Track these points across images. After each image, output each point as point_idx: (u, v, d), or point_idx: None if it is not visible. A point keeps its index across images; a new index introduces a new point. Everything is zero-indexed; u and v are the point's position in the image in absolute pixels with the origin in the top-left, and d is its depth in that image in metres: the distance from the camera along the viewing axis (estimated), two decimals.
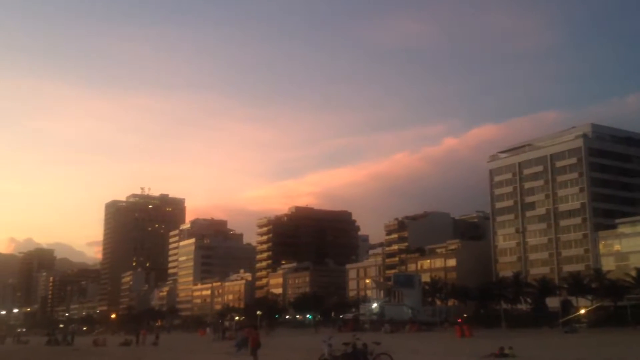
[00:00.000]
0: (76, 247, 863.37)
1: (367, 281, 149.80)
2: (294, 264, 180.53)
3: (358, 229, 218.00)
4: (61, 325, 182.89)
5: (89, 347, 65.26)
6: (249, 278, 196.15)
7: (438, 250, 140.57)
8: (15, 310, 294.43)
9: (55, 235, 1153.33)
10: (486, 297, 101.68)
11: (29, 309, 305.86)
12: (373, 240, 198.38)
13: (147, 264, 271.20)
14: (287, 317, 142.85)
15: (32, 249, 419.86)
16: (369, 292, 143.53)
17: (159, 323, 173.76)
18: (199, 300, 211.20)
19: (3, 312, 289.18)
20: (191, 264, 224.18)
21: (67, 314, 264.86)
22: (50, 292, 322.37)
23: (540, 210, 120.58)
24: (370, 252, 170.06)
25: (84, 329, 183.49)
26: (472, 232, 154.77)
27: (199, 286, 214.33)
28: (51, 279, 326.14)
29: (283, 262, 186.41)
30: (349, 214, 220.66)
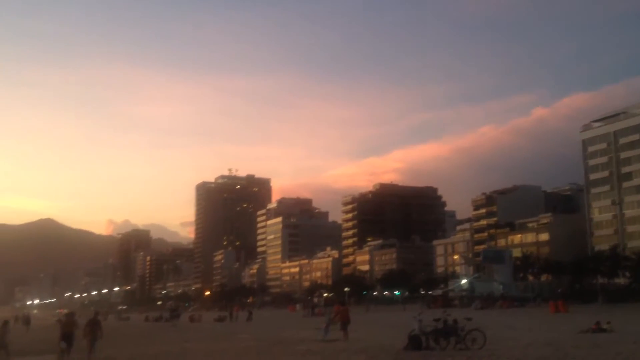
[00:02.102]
0: (170, 228, 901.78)
1: (455, 257, 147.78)
2: (380, 241, 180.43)
3: (444, 204, 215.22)
4: (170, 303, 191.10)
5: (185, 323, 68.04)
6: (336, 255, 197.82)
7: (529, 225, 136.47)
8: (116, 289, 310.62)
9: (151, 216, 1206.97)
10: (581, 271, 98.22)
11: (128, 288, 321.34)
12: (460, 215, 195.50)
13: (237, 243, 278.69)
14: (375, 293, 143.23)
15: (129, 230, 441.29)
16: (457, 269, 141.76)
17: (250, 300, 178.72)
18: (287, 278, 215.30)
19: (105, 291, 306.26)
20: (279, 242, 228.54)
21: (164, 292, 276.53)
22: (147, 271, 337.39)
23: (638, 181, 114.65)
24: (458, 228, 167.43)
25: (170, 305, 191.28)
26: (565, 205, 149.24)
27: (287, 264, 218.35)
28: (148, 258, 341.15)
29: (369, 239, 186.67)
30: (435, 190, 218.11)
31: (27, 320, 63.38)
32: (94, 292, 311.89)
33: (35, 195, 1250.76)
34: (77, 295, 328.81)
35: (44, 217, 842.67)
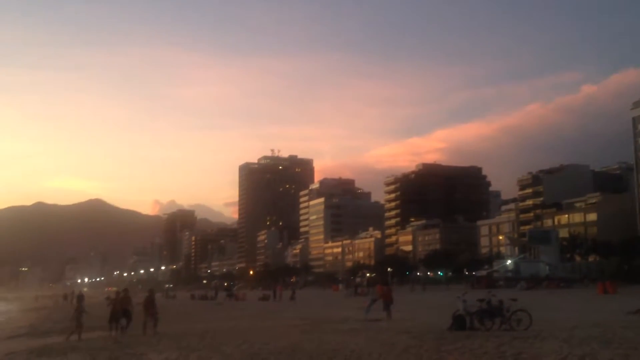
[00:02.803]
0: (214, 208, 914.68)
1: (500, 237, 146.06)
2: (423, 221, 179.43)
3: (489, 184, 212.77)
4: (215, 282, 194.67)
5: (230, 301, 69.19)
6: (379, 236, 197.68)
7: (577, 205, 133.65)
8: (163, 268, 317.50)
9: (195, 197, 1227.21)
10: (630, 252, 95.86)
11: (174, 266, 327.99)
12: (505, 195, 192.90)
13: (280, 223, 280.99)
14: (418, 274, 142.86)
15: (174, 210, 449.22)
16: (502, 249, 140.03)
17: (293, 279, 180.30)
18: (330, 258, 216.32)
19: (152, 270, 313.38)
20: (321, 222, 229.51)
21: (209, 271, 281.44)
22: (192, 251, 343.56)
23: None
24: (503, 208, 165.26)
25: (225, 284, 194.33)
26: (614, 184, 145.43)
27: (330, 244, 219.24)
28: (193, 238, 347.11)
29: (412, 219, 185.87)
30: (479, 169, 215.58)
31: (80, 298, 65.25)
32: (142, 271, 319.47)
33: (84, 176, 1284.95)
34: (125, 274, 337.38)
35: (93, 197, 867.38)
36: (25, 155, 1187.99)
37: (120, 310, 24.16)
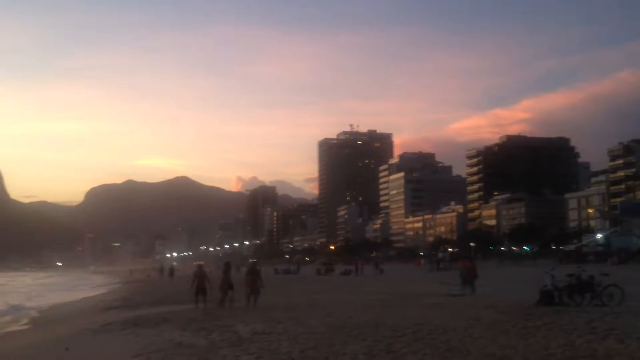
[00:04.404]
0: (295, 184, 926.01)
1: (590, 211, 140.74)
2: (507, 195, 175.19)
3: (577, 155, 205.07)
4: (297, 256, 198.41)
5: (313, 275, 70.24)
6: (461, 210, 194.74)
7: None
8: (246, 243, 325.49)
9: (276, 173, 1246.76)
10: None
11: (257, 242, 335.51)
12: (595, 167, 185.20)
13: (360, 198, 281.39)
14: (502, 248, 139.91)
15: (256, 186, 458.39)
16: (591, 222, 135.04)
17: (373, 254, 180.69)
18: (411, 233, 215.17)
19: (236, 245, 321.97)
20: (402, 197, 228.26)
21: (291, 246, 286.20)
22: (274, 226, 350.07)
23: None
24: (592, 180, 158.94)
25: (307, 259, 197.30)
26: None
27: (411, 219, 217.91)
28: (275, 214, 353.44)
29: (495, 193, 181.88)
30: (567, 140, 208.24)
31: (171, 272, 68.19)
32: (227, 246, 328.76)
33: (171, 154, 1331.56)
34: (211, 249, 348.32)
35: (179, 175, 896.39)
36: (115, 135, 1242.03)
37: (202, 284, 24.74)
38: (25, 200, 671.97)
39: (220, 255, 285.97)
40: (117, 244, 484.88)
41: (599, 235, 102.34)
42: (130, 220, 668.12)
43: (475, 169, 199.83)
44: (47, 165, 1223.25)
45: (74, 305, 39.66)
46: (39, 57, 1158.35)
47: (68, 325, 24.00)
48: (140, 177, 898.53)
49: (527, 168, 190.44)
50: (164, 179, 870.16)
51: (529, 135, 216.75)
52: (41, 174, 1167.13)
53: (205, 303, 24.24)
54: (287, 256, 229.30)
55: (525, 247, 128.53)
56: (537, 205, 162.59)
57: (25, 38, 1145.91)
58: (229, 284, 24.59)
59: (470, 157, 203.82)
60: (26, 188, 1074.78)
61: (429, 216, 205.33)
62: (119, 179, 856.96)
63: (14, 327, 26.68)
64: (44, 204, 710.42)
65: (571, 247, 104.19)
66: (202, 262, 29.96)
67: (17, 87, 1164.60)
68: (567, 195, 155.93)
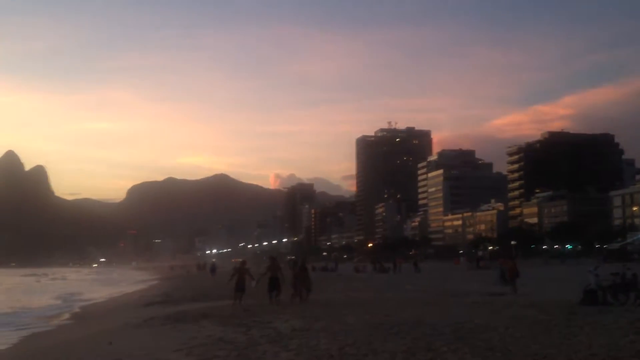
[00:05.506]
0: (333, 181, 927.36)
1: (635, 209, 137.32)
2: (549, 193, 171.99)
3: (622, 152, 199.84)
4: (334, 254, 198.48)
5: (351, 273, 70.19)
6: (501, 208, 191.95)
7: None
8: (284, 240, 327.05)
9: (314, 170, 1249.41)
10: None
11: (295, 239, 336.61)
12: None
13: (398, 196, 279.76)
14: (544, 247, 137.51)
15: (294, 184, 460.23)
16: (636, 221, 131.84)
17: (412, 252, 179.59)
18: (450, 230, 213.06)
19: (274, 242, 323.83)
20: (440, 194, 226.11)
21: (328, 243, 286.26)
22: (312, 223, 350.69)
23: None
24: (638, 177, 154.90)
25: (345, 256, 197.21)
26: None
27: (450, 216, 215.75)
28: (313, 211, 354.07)
29: (537, 190, 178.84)
30: (611, 137, 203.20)
31: (213, 268, 69.13)
32: (265, 243, 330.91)
33: (211, 152, 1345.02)
34: (249, 246, 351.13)
35: (218, 172, 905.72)
36: (157, 134, 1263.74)
37: (242, 280, 24.71)
38: (70, 198, 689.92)
39: (258, 252, 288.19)
40: (158, 241, 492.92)
41: None
42: (170, 217, 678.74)
43: (516, 166, 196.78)
44: (90, 163, 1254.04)
45: (117, 301, 40.52)
46: (83, 59, 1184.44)
47: (111, 320, 24.54)
48: (181, 174, 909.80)
49: (570, 165, 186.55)
50: (204, 177, 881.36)
51: (571, 131, 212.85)
52: (85, 172, 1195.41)
53: (240, 300, 24.11)
54: (324, 253, 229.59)
55: (568, 246, 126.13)
56: (580, 203, 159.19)
57: (69, 40, 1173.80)
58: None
59: (511, 154, 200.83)
60: (70, 185, 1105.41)
61: (469, 214, 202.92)
62: (160, 177, 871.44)
63: (60, 322, 27.39)
64: (87, 201, 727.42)
65: (615, 245, 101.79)
66: (244, 259, 30.07)
67: (61, 88, 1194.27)
68: (611, 193, 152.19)
